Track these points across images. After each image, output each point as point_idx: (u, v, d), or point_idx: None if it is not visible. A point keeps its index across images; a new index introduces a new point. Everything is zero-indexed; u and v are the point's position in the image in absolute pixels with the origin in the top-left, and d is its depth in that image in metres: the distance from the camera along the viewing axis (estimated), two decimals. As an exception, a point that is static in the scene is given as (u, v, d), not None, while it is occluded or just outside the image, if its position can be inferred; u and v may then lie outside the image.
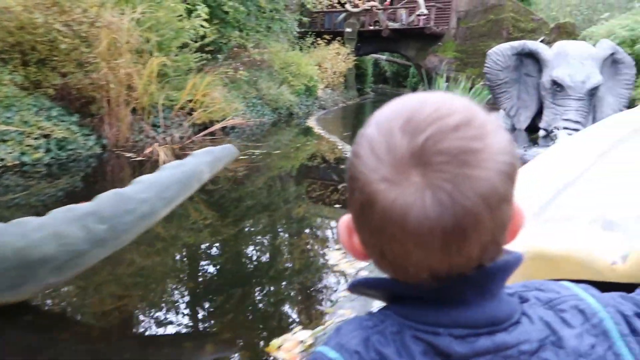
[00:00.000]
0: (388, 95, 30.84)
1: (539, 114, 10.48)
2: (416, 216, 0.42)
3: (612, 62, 10.41)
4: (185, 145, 7.53)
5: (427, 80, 17.99)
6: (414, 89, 15.08)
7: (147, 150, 6.56)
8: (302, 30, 20.99)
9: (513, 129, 11.29)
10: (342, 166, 6.75)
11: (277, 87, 12.56)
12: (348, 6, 20.87)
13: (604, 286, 0.70)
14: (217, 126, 8.26)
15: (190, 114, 8.62)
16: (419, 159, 0.42)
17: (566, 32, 16.23)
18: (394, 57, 28.81)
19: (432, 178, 0.41)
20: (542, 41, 14.55)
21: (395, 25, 20.31)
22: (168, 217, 2.96)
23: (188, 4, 9.08)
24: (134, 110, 7.26)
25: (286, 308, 2.99)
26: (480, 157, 0.42)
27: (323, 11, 21.64)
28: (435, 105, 0.44)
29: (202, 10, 8.96)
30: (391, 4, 21.39)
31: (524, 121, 10.81)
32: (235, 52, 11.59)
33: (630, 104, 11.22)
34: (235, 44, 11.41)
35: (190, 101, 8.79)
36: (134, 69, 6.88)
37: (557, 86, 9.78)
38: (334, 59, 18.45)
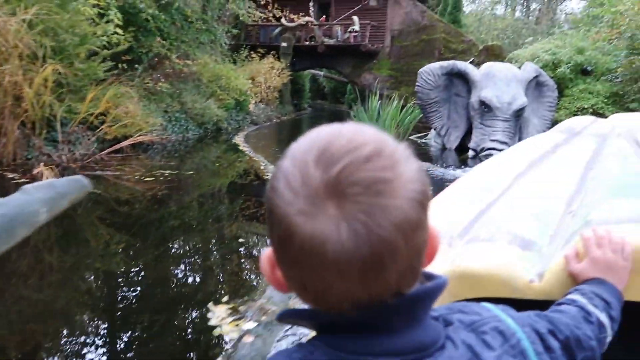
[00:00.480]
0: (325, 110, 30.80)
1: (468, 133, 10.52)
2: (334, 248, 0.42)
3: (536, 85, 10.64)
4: (86, 164, 6.70)
5: (362, 98, 17.92)
6: (351, 105, 14.85)
7: (36, 170, 5.70)
8: (236, 43, 20.49)
9: (444, 149, 11.27)
10: (261, 188, 6.24)
11: (204, 100, 11.86)
12: (283, 20, 20.52)
13: (524, 303, 0.81)
14: (125, 143, 7.45)
15: (98, 128, 7.78)
16: (334, 191, 0.43)
17: (494, 54, 16.71)
18: (331, 74, 28.83)
19: (347, 209, 0.42)
20: (471, 62, 14.84)
21: (331, 42, 20.19)
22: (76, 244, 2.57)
23: (101, 8, 8.26)
24: (23, 124, 6.35)
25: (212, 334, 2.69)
26: (392, 186, 0.43)
27: (259, 24, 21.18)
28: (347, 137, 0.45)
29: (115, 15, 8.17)
30: (327, 20, 21.28)
31: (454, 141, 10.81)
32: (158, 62, 10.80)
33: (554, 126, 11.43)
34: (158, 54, 10.61)
35: (100, 114, 7.96)
36: (22, 77, 6.01)
37: (485, 107, 9.84)
38: (268, 73, 17.99)
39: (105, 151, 7.23)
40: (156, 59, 10.50)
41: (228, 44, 18.69)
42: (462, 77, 10.79)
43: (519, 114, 10.03)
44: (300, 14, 20.51)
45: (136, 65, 9.90)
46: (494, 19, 28.99)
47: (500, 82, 10.07)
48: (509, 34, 25.07)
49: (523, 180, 1.31)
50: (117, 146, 7.34)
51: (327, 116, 25.41)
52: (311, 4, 21.52)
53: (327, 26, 20.66)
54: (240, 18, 18.08)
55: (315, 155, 0.44)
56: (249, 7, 19.10)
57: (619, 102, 11.14)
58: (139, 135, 7.83)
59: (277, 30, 21.02)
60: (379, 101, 13.82)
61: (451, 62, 11.02)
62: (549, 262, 0.92)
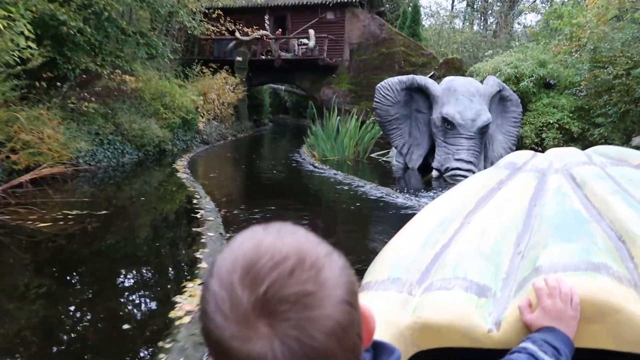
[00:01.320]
0: (287, 125, 30.01)
1: (431, 151, 9.80)
2: None
3: (499, 99, 10.03)
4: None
5: (322, 114, 17.16)
6: (314, 119, 14.08)
7: None
8: (189, 57, 19.42)
9: (406, 168, 10.47)
10: (185, 229, 5.25)
11: (144, 120, 10.75)
12: (238, 34, 19.61)
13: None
14: (25, 177, 6.29)
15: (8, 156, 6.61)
16: (263, 311, 0.44)
17: (454, 67, 16.28)
18: (292, 88, 28.05)
19: (278, 328, 0.44)
20: (431, 76, 14.30)
21: (288, 56, 19.38)
22: None
23: (11, 19, 7.12)
24: None
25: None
26: (318, 297, 0.45)
27: (212, 38, 20.20)
28: (269, 251, 0.46)
29: (24, 27, 7.04)
30: (283, 33, 20.49)
31: (416, 160, 10.00)
32: (88, 80, 9.65)
33: (519, 142, 11.10)
34: (88, 70, 9.47)
35: (8, 140, 6.80)
36: None
37: (448, 124, 9.14)
38: (221, 88, 16.98)
39: (3, 186, 6.04)
40: (84, 76, 9.35)
41: (173, 58, 17.65)
42: (422, 92, 10.08)
43: (483, 131, 9.39)
44: (255, 27, 19.65)
45: (59, 84, 8.74)
46: (452, 33, 28.93)
47: (462, 98, 9.40)
48: (468, 47, 24.92)
49: (473, 219, 1.35)
50: (15, 181, 6.16)
51: (288, 131, 24.61)
52: (267, 17, 20.72)
53: (283, 40, 19.84)
54: (189, 32, 17.10)
55: (240, 275, 0.46)
56: (200, 20, 18.16)
57: (585, 116, 10.71)
58: (44, 168, 6.64)
59: (231, 44, 20.07)
60: (338, 117, 13.07)
61: (410, 76, 10.32)
62: (504, 310, 0.98)
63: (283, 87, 29.79)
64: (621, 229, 1.13)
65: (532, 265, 1.03)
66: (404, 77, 10.17)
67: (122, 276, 4.10)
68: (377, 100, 10.14)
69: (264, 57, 19.84)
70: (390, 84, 10.03)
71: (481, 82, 10.42)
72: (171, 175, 8.80)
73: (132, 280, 4.05)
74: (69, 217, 5.50)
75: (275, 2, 20.98)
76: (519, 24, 31.73)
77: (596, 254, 1.01)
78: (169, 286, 3.90)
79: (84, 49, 9.42)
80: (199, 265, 3.94)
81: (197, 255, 4.11)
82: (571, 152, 1.71)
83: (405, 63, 18.62)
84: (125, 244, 5.00)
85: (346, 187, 8.18)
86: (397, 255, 1.21)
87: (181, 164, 9.82)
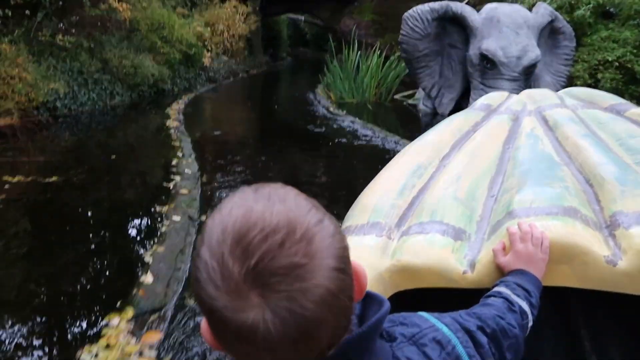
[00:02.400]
0: (308, 59, 28.01)
1: (465, 95, 8.37)
2: (263, 335, 0.46)
3: (550, 32, 8.43)
4: None
5: (341, 48, 15.52)
6: (332, 55, 12.59)
7: None
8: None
9: (435, 114, 9.11)
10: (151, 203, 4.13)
11: (136, 56, 9.49)
12: (251, -44, 17.61)
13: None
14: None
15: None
16: (255, 281, 0.45)
17: (491, -5, 14.25)
18: (313, 19, 25.96)
19: (270, 298, 0.45)
20: (467, 3, 12.45)
21: (306, -19, 17.42)
22: None
23: None
24: None
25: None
26: (309, 268, 0.46)
27: (222, -39, 18.24)
28: (259, 222, 0.47)
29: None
30: (301, -46, 18.36)
31: (447, 104, 8.60)
32: (67, 8, 8.35)
33: (569, 83, 9.50)
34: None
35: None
36: None
37: (487, 62, 7.56)
38: (231, 18, 15.37)
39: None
40: (60, 2, 8.03)
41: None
42: (458, 23, 8.37)
43: (530, 70, 7.77)
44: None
45: (27, 12, 7.47)
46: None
47: (507, 30, 7.71)
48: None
49: (448, 162, 1.37)
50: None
51: (307, 66, 22.83)
52: None
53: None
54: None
55: (230, 246, 0.46)
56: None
57: (652, 53, 8.98)
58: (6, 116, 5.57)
59: (244, -31, 18.11)
60: (359, 52, 11.54)
61: (444, 2, 8.54)
62: (478, 252, 1.03)
63: (303, 18, 27.66)
64: (589, 173, 1.19)
65: (506, 210, 1.08)
66: (435, 4, 8.44)
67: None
68: (404, 32, 8.47)
69: (279, -18, 17.92)
70: (420, 13, 8.32)
71: (529, 10, 8.65)
72: (159, 123, 7.65)
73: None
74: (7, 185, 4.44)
75: None
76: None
77: (566, 199, 1.06)
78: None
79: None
80: (134, 294, 2.80)
81: (146, 259, 3.00)
82: (544, 94, 1.78)
83: (437, -11, 16.52)
84: (45, 251, 3.59)
85: (363, 141, 6.90)
86: (375, 200, 1.22)
87: (176, 108, 8.65)
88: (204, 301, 0.48)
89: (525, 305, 0.88)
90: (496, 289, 0.92)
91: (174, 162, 5.17)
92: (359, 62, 11.13)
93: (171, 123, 7.36)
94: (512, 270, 0.95)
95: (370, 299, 0.60)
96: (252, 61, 17.58)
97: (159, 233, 3.43)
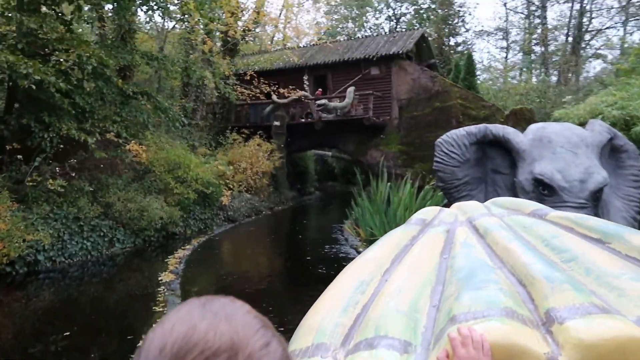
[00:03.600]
0: (336, 193, 27.61)
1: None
2: None
3: (610, 151, 7.26)
4: None
5: (369, 181, 14.77)
6: (365, 185, 11.65)
7: None
8: (222, 125, 17.86)
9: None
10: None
11: (144, 198, 8.69)
12: (274, 97, 18.00)
13: None
14: None
15: None
16: None
17: (524, 119, 13.57)
18: (339, 153, 26.04)
19: None
20: (501, 128, 11.65)
21: (330, 117, 17.39)
22: None
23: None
24: None
25: None
26: None
27: (247, 103, 18.71)
28: (199, 344, 0.44)
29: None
30: (324, 93, 18.70)
31: (497, 238, 7.27)
32: (68, 150, 7.79)
33: (643, 208, 8.08)
34: (69, 138, 7.62)
35: None
36: None
37: (544, 188, 6.29)
38: (254, 156, 15.03)
39: None
40: (61, 146, 7.47)
41: (203, 125, 16.12)
42: (500, 147, 7.39)
43: (597, 196, 6.47)
44: (292, 88, 17.95)
45: (19, 157, 6.84)
46: (512, 84, 26.37)
47: (562, 151, 6.54)
48: (532, 98, 22.13)
49: (390, 277, 1.39)
50: None
51: (336, 200, 22.13)
52: (305, 77, 19.11)
53: (323, 100, 17.94)
54: (223, 97, 15.61)
55: None
56: (233, 84, 16.70)
57: None
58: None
59: (268, 109, 18.44)
60: (388, 183, 10.61)
61: (482, 126, 7.65)
62: None
63: (330, 153, 27.90)
64: (521, 274, 1.23)
65: (447, 317, 1.09)
66: (472, 128, 7.50)
67: None
68: (439, 159, 7.46)
69: (303, 120, 17.98)
70: (456, 138, 7.37)
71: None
72: (150, 277, 6.42)
73: None
74: None
75: (314, 61, 19.44)
76: (587, 70, 28.82)
77: (502, 300, 1.08)
78: None
79: (69, 113, 7.63)
80: None
81: None
82: (472, 205, 1.90)
83: (464, 117, 16.10)
84: None
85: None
86: (319, 320, 1.22)
87: (178, 257, 7.49)
88: None
89: None
90: None
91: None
92: (389, 194, 10.12)
93: (165, 277, 6.13)
94: None
95: None
96: (277, 197, 16.92)
97: None
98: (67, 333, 4.77)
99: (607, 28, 28.56)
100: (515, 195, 6.98)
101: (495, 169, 7.49)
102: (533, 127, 7.07)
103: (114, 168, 8.74)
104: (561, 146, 6.31)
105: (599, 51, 30.19)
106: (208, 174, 10.78)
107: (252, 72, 17.78)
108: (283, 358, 0.48)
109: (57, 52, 7.51)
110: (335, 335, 1.14)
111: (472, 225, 1.64)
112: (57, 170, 7.16)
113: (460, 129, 7.70)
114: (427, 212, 1.86)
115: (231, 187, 12.94)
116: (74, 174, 7.44)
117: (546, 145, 6.44)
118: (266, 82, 17.91)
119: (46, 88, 7.13)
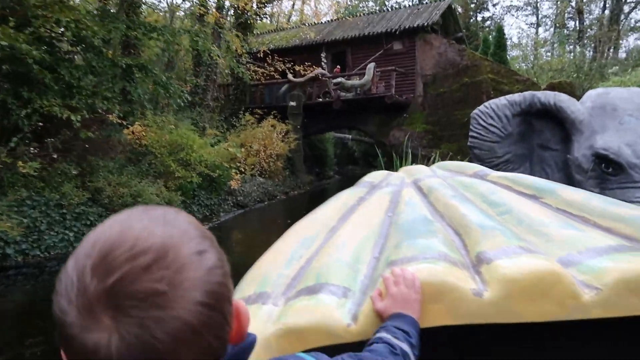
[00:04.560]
0: (356, 177, 26.42)
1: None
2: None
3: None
4: None
5: (391, 162, 13.62)
6: (387, 168, 10.39)
7: None
8: (236, 107, 16.89)
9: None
10: None
11: (138, 181, 7.78)
12: (290, 76, 16.91)
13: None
14: None
15: None
16: (109, 302, 0.42)
17: (565, 93, 12.26)
18: (360, 136, 24.87)
19: (121, 322, 0.42)
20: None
21: (349, 96, 16.22)
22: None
23: None
24: None
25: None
26: (169, 297, 0.43)
27: (262, 83, 17.68)
28: (132, 240, 0.44)
29: None
30: (343, 71, 17.49)
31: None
32: (51, 129, 6.89)
33: None
34: (51, 116, 6.72)
35: None
36: None
37: (608, 165, 5.07)
38: (268, 137, 14.03)
39: None
40: (40, 124, 6.57)
41: (214, 106, 15.18)
42: (551, 117, 6.18)
43: (673, 174, 5.30)
44: (309, 65, 16.80)
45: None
46: (544, 61, 24.68)
47: (631, 120, 5.29)
48: (569, 73, 20.48)
49: (335, 234, 1.41)
50: None
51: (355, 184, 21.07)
52: (323, 54, 17.94)
53: (342, 77, 16.74)
54: (238, 77, 14.63)
55: (94, 261, 0.44)
56: (247, 62, 15.69)
57: None
58: None
59: (284, 88, 17.37)
60: (413, 164, 9.51)
61: (527, 93, 6.48)
62: (360, 305, 1.04)
63: (350, 136, 26.79)
64: (457, 225, 1.32)
65: (385, 263, 1.15)
66: (516, 96, 6.29)
67: None
68: (475, 134, 6.28)
69: (320, 99, 16.86)
70: (495, 108, 6.19)
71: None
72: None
73: None
74: None
75: (333, 37, 18.24)
76: (625, 45, 26.86)
77: (436, 247, 1.16)
78: None
79: (52, 89, 6.73)
80: None
81: None
82: (419, 169, 2.04)
83: (496, 93, 14.70)
84: None
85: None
86: (263, 272, 1.24)
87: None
88: (56, 314, 0.45)
89: (406, 347, 0.90)
90: (377, 335, 0.92)
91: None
92: (413, 177, 9.05)
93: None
94: (390, 314, 0.96)
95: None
96: (294, 181, 15.93)
97: None
98: (41, 338, 4.01)
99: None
100: (569, 175, 5.85)
101: (544, 144, 6.25)
102: (592, 93, 5.73)
103: (108, 150, 7.85)
104: (630, 114, 5.03)
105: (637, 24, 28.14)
106: (214, 156, 9.81)
107: (267, 49, 16.71)
108: (215, 267, 0.47)
109: (34, 19, 6.58)
110: (277, 285, 1.16)
111: (417, 186, 1.75)
112: (34, 151, 6.27)
113: (501, 97, 6.47)
114: (376, 176, 1.96)
115: (243, 170, 12.02)
116: (56, 156, 6.56)
117: (610, 113, 5.16)
118: (281, 59, 16.82)
119: (22, 59, 6.24)
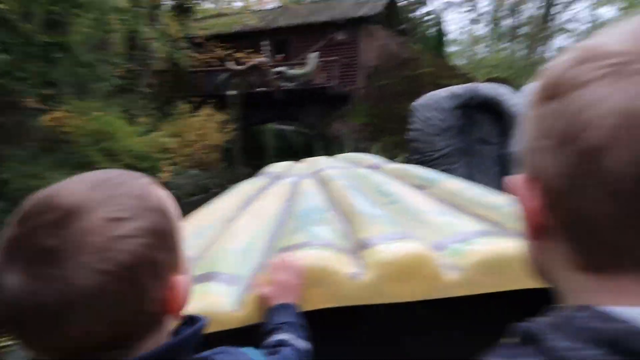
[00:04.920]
0: (299, 170, 26.19)
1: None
2: (9, 302, 0.44)
3: None
4: None
5: (331, 155, 13.43)
6: None
7: None
8: (172, 95, 16.01)
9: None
10: None
11: (53, 174, 7.02)
12: (230, 64, 16.23)
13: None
14: None
15: None
16: (19, 252, 0.44)
17: (501, 88, 12.50)
18: (302, 127, 24.54)
19: (23, 271, 0.44)
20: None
21: (290, 86, 15.81)
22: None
23: None
24: None
25: None
26: (63, 257, 0.44)
27: (201, 70, 16.88)
28: (53, 197, 0.46)
29: None
30: (285, 59, 17.03)
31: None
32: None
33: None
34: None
35: None
36: None
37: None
38: (203, 127, 13.38)
39: None
40: None
41: (144, 93, 14.30)
42: (491, 110, 6.14)
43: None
44: (248, 51, 16.20)
45: None
46: (484, 56, 25.42)
47: None
48: (504, 69, 21.17)
49: (233, 224, 1.42)
50: None
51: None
52: (264, 42, 17.39)
53: (284, 66, 16.27)
54: (179, 62, 13.81)
55: (20, 212, 0.46)
56: (185, 48, 14.88)
57: None
58: None
59: (223, 76, 16.66)
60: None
61: (469, 85, 6.43)
62: (245, 290, 1.06)
63: (291, 128, 26.38)
64: (348, 213, 1.38)
65: (277, 250, 1.18)
66: (457, 88, 6.25)
67: None
68: (415, 126, 6.19)
69: (259, 89, 16.32)
70: (436, 100, 6.11)
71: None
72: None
73: None
74: None
75: (276, 24, 17.73)
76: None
77: (325, 235, 1.20)
78: None
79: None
80: None
81: None
82: (320, 160, 2.17)
83: (435, 87, 14.83)
84: None
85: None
86: None
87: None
88: None
89: (307, 345, 0.92)
90: (277, 337, 0.91)
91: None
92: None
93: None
94: (275, 303, 0.97)
95: (192, 320, 0.58)
96: (230, 174, 15.31)
97: None
98: None
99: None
100: (506, 170, 5.78)
101: (483, 137, 6.20)
102: (532, 87, 5.75)
103: (19, 137, 7.02)
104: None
105: (564, 26, 29.61)
106: (142, 146, 9.12)
107: (205, 36, 15.93)
108: (128, 237, 0.45)
109: None
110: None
111: (317, 176, 1.82)
112: None
113: (442, 89, 6.34)
114: (280, 167, 2.08)
115: (176, 162, 11.35)
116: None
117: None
118: (221, 45, 16.10)
119: None
